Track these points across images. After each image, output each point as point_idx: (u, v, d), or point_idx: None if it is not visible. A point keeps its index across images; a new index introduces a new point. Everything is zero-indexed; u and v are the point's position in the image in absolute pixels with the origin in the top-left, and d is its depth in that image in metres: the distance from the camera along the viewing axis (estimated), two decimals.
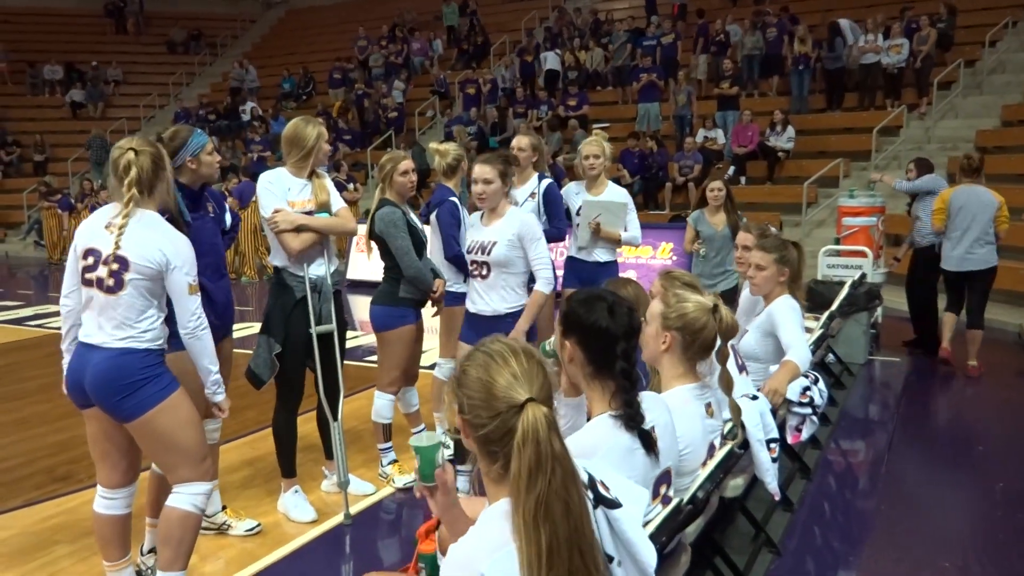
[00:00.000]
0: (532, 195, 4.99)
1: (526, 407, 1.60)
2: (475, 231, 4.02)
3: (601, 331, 2.18)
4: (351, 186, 13.53)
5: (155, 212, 2.93)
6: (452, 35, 20.48)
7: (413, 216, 4.36)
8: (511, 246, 3.86)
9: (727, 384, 2.68)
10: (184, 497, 2.96)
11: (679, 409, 2.48)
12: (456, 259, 4.54)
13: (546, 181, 5.03)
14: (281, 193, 3.81)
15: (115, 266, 2.82)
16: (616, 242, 5.17)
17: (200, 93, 22.46)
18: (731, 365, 3.22)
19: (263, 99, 20.66)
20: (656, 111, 14.78)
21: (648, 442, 2.16)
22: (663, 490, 2.27)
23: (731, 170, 13.20)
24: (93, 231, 2.90)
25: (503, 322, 3.87)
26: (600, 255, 5.18)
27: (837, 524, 4.01)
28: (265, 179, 3.85)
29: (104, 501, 3.07)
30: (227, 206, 3.86)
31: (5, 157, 19.99)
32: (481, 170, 3.89)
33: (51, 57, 22.83)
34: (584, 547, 1.57)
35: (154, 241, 2.86)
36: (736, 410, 2.74)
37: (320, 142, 3.87)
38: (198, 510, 3.00)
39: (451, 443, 4.31)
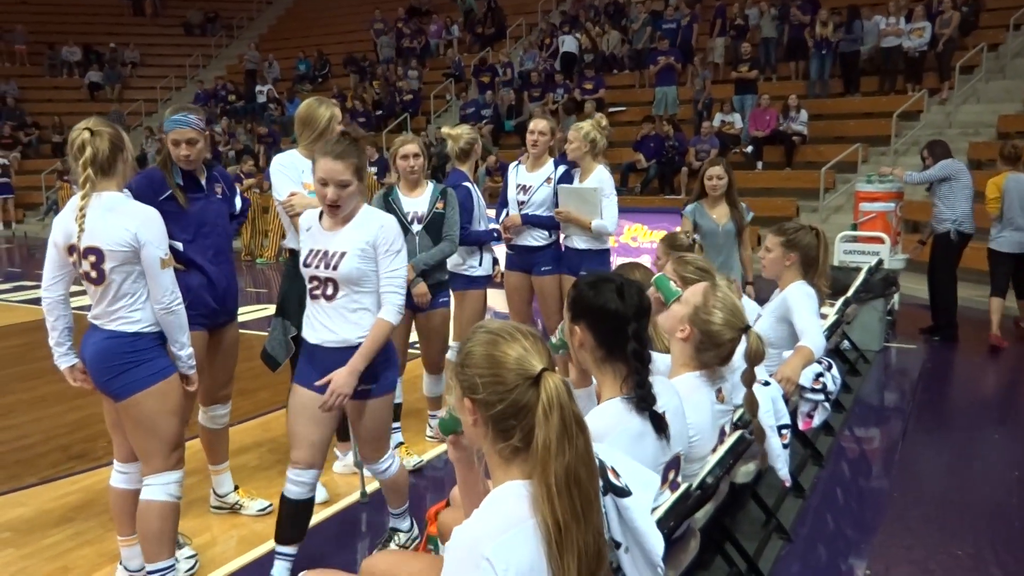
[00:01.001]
0: (548, 180, 4.95)
1: (543, 376, 1.59)
2: (314, 238, 3.02)
3: (610, 313, 2.15)
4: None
5: (115, 192, 2.88)
6: (468, 18, 20.38)
7: (411, 197, 4.31)
8: (364, 258, 2.94)
9: (751, 406, 2.65)
10: (158, 488, 2.94)
11: (688, 396, 2.47)
12: (469, 239, 4.53)
13: (562, 168, 5.00)
14: (295, 175, 3.80)
15: (92, 258, 2.81)
16: (587, 230, 4.87)
17: (216, 75, 22.51)
18: (740, 350, 3.21)
19: (280, 81, 20.67)
20: (673, 95, 14.67)
21: (659, 424, 2.15)
22: (671, 476, 2.27)
23: (748, 150, 13.11)
24: (67, 226, 2.88)
25: (347, 355, 2.97)
26: (578, 243, 4.96)
27: (849, 511, 3.99)
28: (278, 162, 3.85)
29: (119, 476, 3.10)
30: (238, 189, 3.84)
31: (24, 138, 20.11)
32: (332, 168, 2.87)
33: (69, 39, 22.95)
34: (597, 524, 1.57)
35: (118, 222, 2.80)
36: (753, 404, 2.70)
37: (333, 123, 3.86)
38: (174, 498, 2.99)
39: None
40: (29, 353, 7.04)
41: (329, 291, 2.97)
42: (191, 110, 3.37)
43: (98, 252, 2.80)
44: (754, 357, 2.55)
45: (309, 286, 3.03)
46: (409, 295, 4.24)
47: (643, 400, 2.14)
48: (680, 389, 2.46)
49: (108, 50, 22.88)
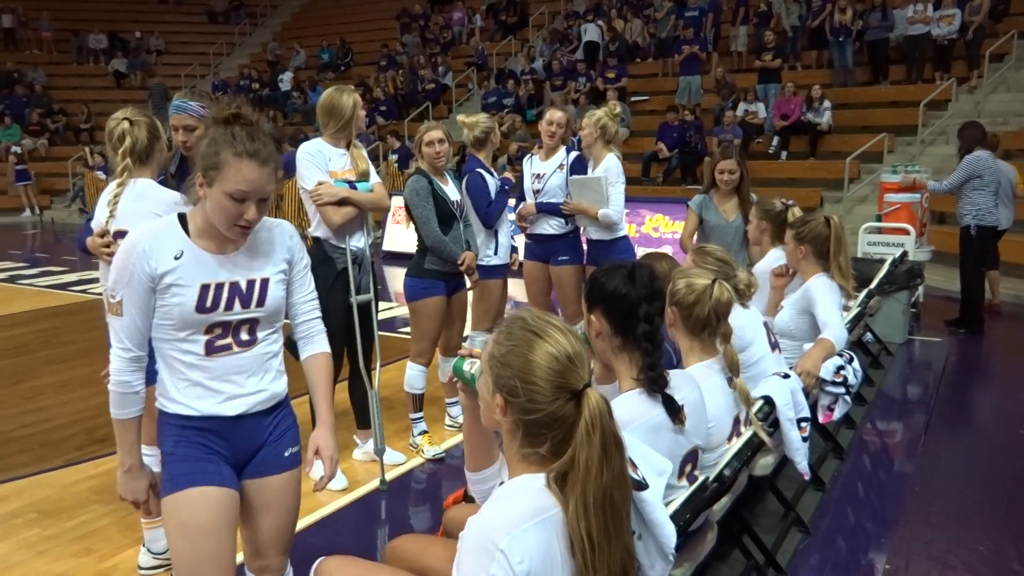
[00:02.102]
0: (560, 166, 4.96)
1: (586, 393, 1.54)
2: (202, 268, 2.10)
3: (621, 297, 2.17)
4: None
5: (149, 179, 2.98)
6: (491, 7, 20.30)
7: (447, 187, 4.34)
8: (283, 281, 2.25)
9: (731, 362, 2.62)
10: None
11: (700, 383, 2.46)
12: (491, 218, 4.60)
13: (574, 153, 5.00)
14: (322, 164, 3.83)
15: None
16: (594, 219, 4.85)
17: (240, 63, 22.61)
18: (760, 342, 3.20)
19: (303, 69, 20.73)
20: (698, 84, 14.55)
21: (672, 408, 2.15)
22: (688, 469, 2.26)
23: (775, 141, 12.97)
24: (99, 211, 2.97)
25: (276, 415, 2.29)
26: (593, 233, 4.97)
27: (870, 505, 3.97)
28: (305, 150, 3.87)
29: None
30: None
31: (51, 125, 20.33)
32: (256, 178, 2.03)
33: (95, 26, 23.12)
34: (627, 544, 1.56)
35: (147, 207, 2.87)
36: (744, 393, 2.67)
37: (356, 110, 3.88)
38: None
39: None
40: (55, 338, 7.14)
41: (245, 336, 2.17)
42: (195, 97, 3.32)
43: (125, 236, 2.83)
44: (720, 308, 2.58)
45: (204, 339, 2.11)
46: (456, 280, 4.32)
47: (654, 383, 2.14)
48: (696, 379, 2.46)
49: (133, 38, 23.04)
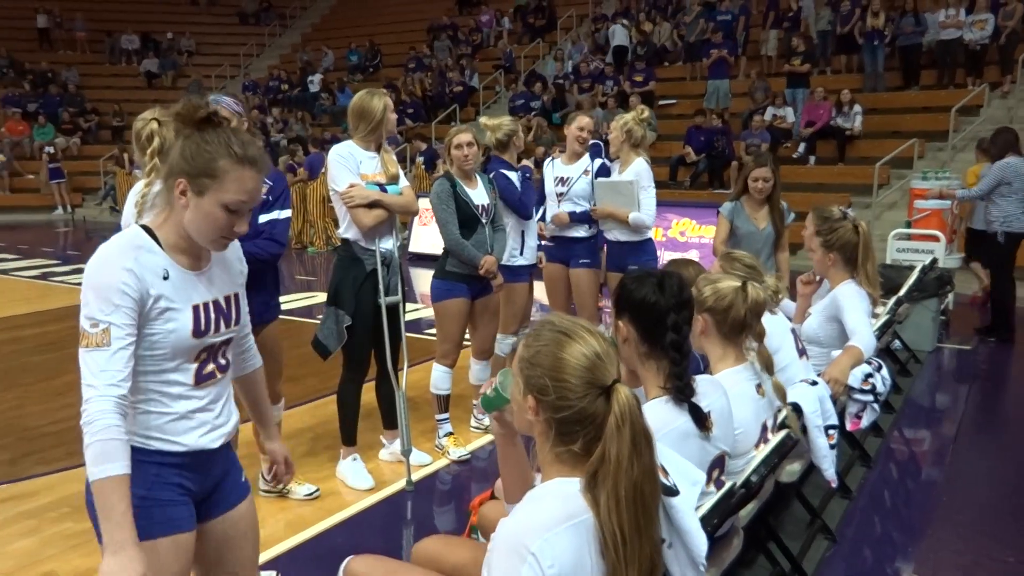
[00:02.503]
0: (586, 172, 4.98)
1: (615, 388, 1.56)
2: (188, 286, 1.91)
3: (650, 305, 2.18)
4: None
5: None
6: (519, 9, 20.34)
7: (474, 190, 4.35)
8: (244, 296, 2.12)
9: (765, 362, 2.63)
10: None
11: (728, 390, 2.46)
12: (524, 212, 4.64)
13: (599, 161, 5.02)
14: (354, 167, 3.87)
15: None
16: (623, 223, 4.87)
17: (270, 64, 22.84)
18: (788, 348, 3.19)
19: (331, 71, 20.89)
20: (726, 88, 14.49)
21: (699, 417, 2.15)
22: (716, 474, 2.26)
23: (801, 147, 12.88)
24: (127, 210, 3.00)
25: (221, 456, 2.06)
26: (619, 235, 4.97)
27: (897, 513, 3.93)
28: (337, 152, 3.91)
29: None
30: (289, 194, 3.62)
31: (84, 124, 20.64)
32: (255, 187, 1.90)
33: (128, 27, 23.46)
34: (655, 538, 1.57)
35: None
36: (780, 390, 2.69)
37: (387, 113, 3.92)
38: None
39: None
40: None
41: (223, 360, 2.01)
42: (229, 95, 3.41)
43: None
44: (755, 308, 2.59)
45: (194, 367, 1.92)
46: (481, 283, 4.32)
47: (680, 392, 2.15)
48: (723, 385, 2.46)
49: (165, 39, 23.35)
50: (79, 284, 1.96)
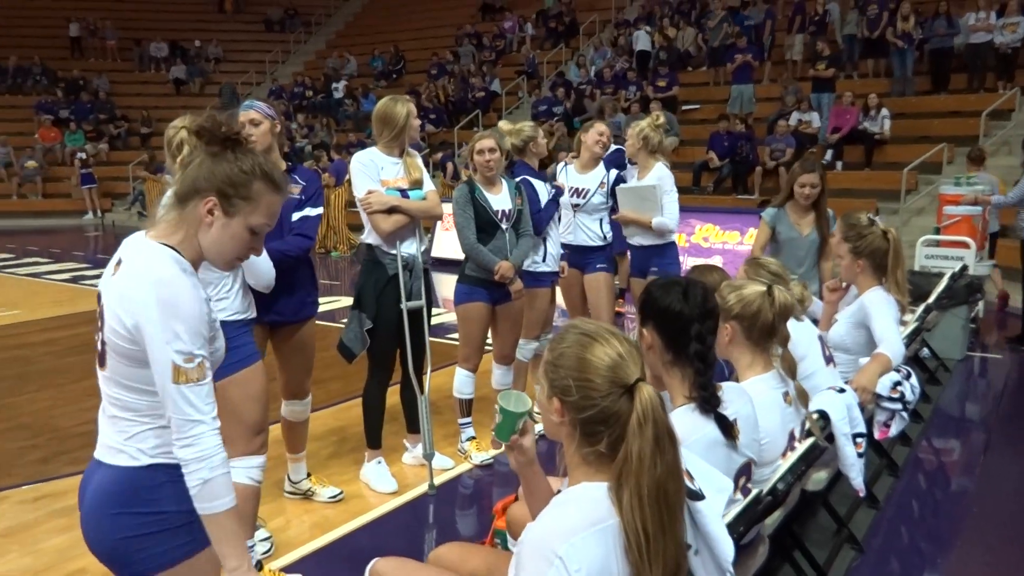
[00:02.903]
0: (602, 184, 4.99)
1: (638, 386, 1.57)
2: (207, 305, 1.90)
3: (675, 314, 2.17)
4: None
5: None
6: (541, 15, 20.37)
7: (495, 195, 4.33)
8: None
9: (789, 366, 2.62)
10: (240, 471, 2.96)
11: (756, 398, 2.45)
12: (540, 226, 4.62)
13: (614, 172, 5.04)
14: (374, 173, 3.90)
15: None
16: (646, 227, 4.90)
17: (295, 71, 23.04)
18: (814, 355, 3.16)
19: (355, 77, 21.04)
20: (750, 93, 14.40)
21: (725, 426, 2.14)
22: (742, 482, 2.25)
23: (827, 154, 12.76)
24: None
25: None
26: (641, 240, 4.99)
27: (925, 524, 3.88)
28: (358, 159, 3.95)
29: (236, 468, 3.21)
30: (322, 193, 3.62)
31: (113, 130, 20.93)
32: (278, 210, 1.96)
33: (157, 35, 23.78)
34: (679, 537, 1.57)
35: None
36: (803, 395, 2.67)
37: (410, 119, 3.94)
38: (255, 482, 3.08)
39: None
40: None
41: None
42: (261, 99, 3.49)
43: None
44: (783, 312, 2.57)
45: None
46: (501, 288, 4.31)
47: (706, 402, 2.14)
48: (749, 393, 2.44)
49: (193, 46, 23.66)
50: None
